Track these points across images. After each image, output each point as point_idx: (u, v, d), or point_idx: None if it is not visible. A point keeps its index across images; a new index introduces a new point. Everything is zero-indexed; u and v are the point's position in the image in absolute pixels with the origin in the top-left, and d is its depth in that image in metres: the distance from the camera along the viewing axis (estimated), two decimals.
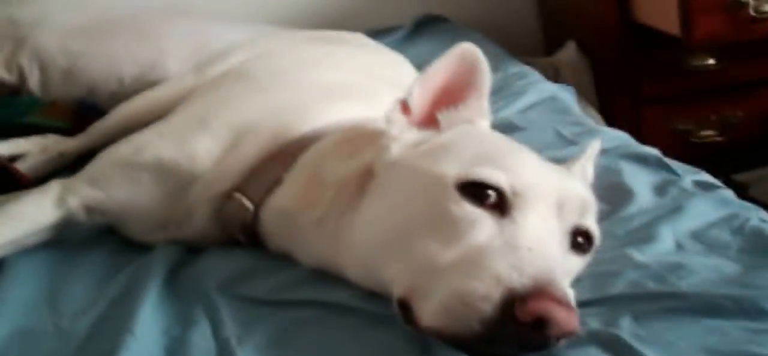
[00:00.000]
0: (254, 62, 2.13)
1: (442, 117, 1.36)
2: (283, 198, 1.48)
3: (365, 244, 1.27)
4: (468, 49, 1.34)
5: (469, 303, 1.02)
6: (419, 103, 1.35)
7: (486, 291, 1.02)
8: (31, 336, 1.29)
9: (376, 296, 1.23)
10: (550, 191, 1.20)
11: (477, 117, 1.38)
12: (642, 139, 1.91)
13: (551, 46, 3.55)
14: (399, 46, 2.78)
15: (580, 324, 1.07)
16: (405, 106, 1.34)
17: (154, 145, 1.63)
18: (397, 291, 1.15)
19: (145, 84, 2.43)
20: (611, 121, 2.46)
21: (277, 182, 1.50)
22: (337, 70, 1.97)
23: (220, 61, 2.27)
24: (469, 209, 1.15)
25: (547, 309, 1.00)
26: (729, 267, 1.27)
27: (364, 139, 1.44)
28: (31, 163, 2.19)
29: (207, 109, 1.73)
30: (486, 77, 1.36)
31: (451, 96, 1.36)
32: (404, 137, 1.33)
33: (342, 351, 1.14)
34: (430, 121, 1.37)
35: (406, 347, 1.11)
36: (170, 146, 1.60)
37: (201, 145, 1.58)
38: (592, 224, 1.28)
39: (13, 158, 2.20)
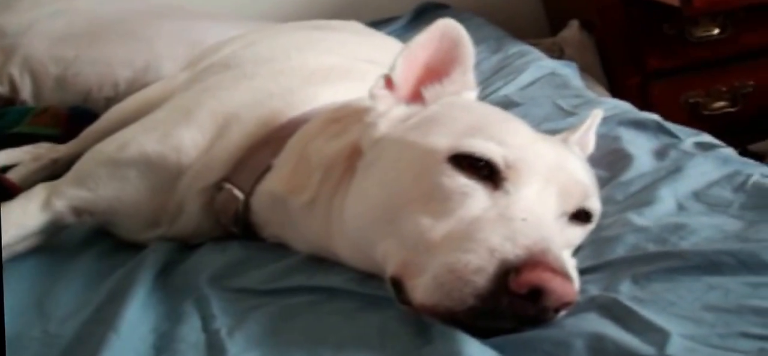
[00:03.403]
0: (240, 51, 2.10)
1: (427, 92, 1.34)
2: (272, 184, 1.45)
3: (356, 223, 1.25)
4: (449, 24, 1.31)
5: (462, 277, 1.00)
6: (403, 78, 1.32)
7: (479, 264, 0.99)
8: (18, 343, 1.26)
9: (372, 278, 1.21)
10: (544, 163, 1.18)
11: (463, 90, 1.35)
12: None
13: (555, 27, 3.54)
14: (399, 35, 2.77)
15: (579, 292, 1.05)
16: (389, 81, 1.32)
17: (139, 139, 1.60)
18: (390, 269, 1.13)
19: (139, 87, 2.43)
20: (620, 97, 2.42)
21: (267, 169, 1.47)
22: (326, 54, 1.93)
23: (210, 57, 2.24)
24: (461, 181, 1.13)
25: (542, 279, 0.97)
26: (731, 224, 1.23)
27: (350, 117, 1.41)
28: (23, 172, 2.17)
29: (191, 100, 1.69)
30: (469, 51, 1.34)
31: (435, 72, 1.34)
32: (391, 113, 1.31)
33: (334, 336, 1.10)
34: (415, 97, 1.34)
35: (401, 328, 1.08)
36: (155, 140, 1.57)
37: (187, 137, 1.55)
38: (594, 204, 1.26)
39: (6, 169, 2.17)
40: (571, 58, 2.82)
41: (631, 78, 2.97)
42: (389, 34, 2.73)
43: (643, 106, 1.94)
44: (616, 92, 2.75)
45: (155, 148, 1.56)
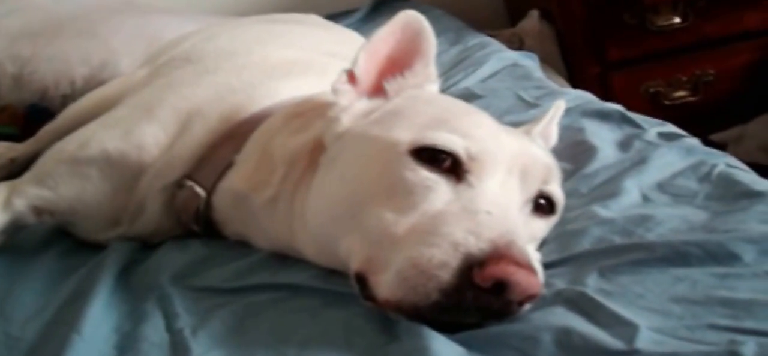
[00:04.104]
0: (201, 45, 2.08)
1: (389, 85, 1.33)
2: (234, 181, 1.44)
3: (319, 219, 1.24)
4: (410, 16, 1.31)
5: (426, 272, 0.99)
6: (365, 72, 1.31)
7: (443, 258, 0.99)
8: None
9: (336, 275, 1.20)
10: (507, 154, 1.17)
11: (425, 83, 1.34)
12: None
13: (515, 17, 3.53)
14: (357, 28, 2.77)
15: (544, 286, 1.05)
16: (351, 76, 1.31)
17: (100, 137, 1.57)
18: (354, 265, 1.12)
19: (97, 84, 2.39)
20: (581, 88, 2.42)
21: (229, 165, 1.46)
22: (287, 48, 1.92)
23: (170, 52, 2.21)
24: (423, 175, 1.12)
25: (505, 272, 0.97)
26: (697, 215, 1.24)
27: (313, 112, 1.41)
28: None
29: (152, 96, 1.66)
30: (430, 42, 1.33)
31: (397, 64, 1.33)
32: (353, 107, 1.30)
33: (299, 333, 1.09)
34: (377, 91, 1.33)
35: (366, 324, 1.08)
36: (116, 137, 1.55)
37: (149, 134, 1.53)
38: (555, 189, 1.25)
39: None
40: (531, 49, 2.82)
41: (592, 68, 2.97)
42: (347, 27, 2.72)
43: (604, 96, 1.95)
44: (576, 83, 2.77)
45: (117, 146, 1.53)
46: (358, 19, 3.23)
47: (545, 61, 2.67)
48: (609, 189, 1.37)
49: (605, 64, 2.97)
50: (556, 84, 2.16)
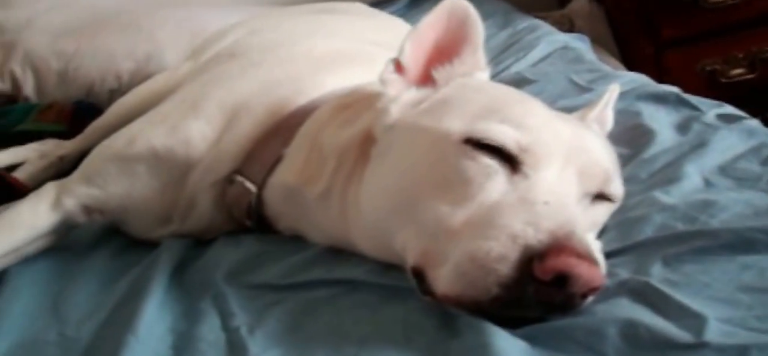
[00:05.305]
0: (245, 39, 2.08)
1: (438, 74, 1.30)
2: (284, 176, 1.42)
3: (373, 213, 1.22)
4: (456, 3, 1.28)
5: (484, 265, 0.97)
6: (413, 61, 1.30)
7: (501, 251, 0.97)
8: (35, 347, 1.24)
9: (392, 268, 1.18)
10: (562, 143, 1.14)
11: (474, 71, 1.32)
12: (669, 84, 1.83)
13: None
14: (402, 15, 2.75)
15: (608, 276, 1.03)
16: (399, 65, 1.29)
17: (146, 134, 1.56)
18: (410, 259, 1.11)
19: (142, 78, 2.41)
20: (634, 69, 2.39)
21: (278, 160, 1.44)
22: (332, 38, 1.90)
23: (214, 45, 2.21)
24: (478, 166, 1.10)
25: (567, 265, 0.95)
26: (761, 199, 1.20)
27: (361, 103, 1.39)
28: (30, 170, 2.15)
29: (197, 91, 1.65)
30: (478, 29, 1.31)
31: (445, 53, 1.31)
32: (402, 97, 1.28)
33: (357, 330, 1.08)
34: (425, 80, 1.31)
35: (425, 320, 1.06)
36: (163, 133, 1.54)
37: (195, 129, 1.52)
38: (617, 188, 1.23)
39: (12, 168, 2.14)
40: (581, 31, 2.80)
41: (645, 48, 2.93)
42: (392, 14, 2.69)
43: (658, 76, 1.92)
44: (629, 63, 2.72)
45: (163, 142, 1.53)
46: (404, 5, 3.20)
47: (597, 43, 2.64)
48: (669, 174, 1.35)
49: (659, 43, 2.92)
50: (609, 66, 2.14)
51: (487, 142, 1.11)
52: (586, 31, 2.75)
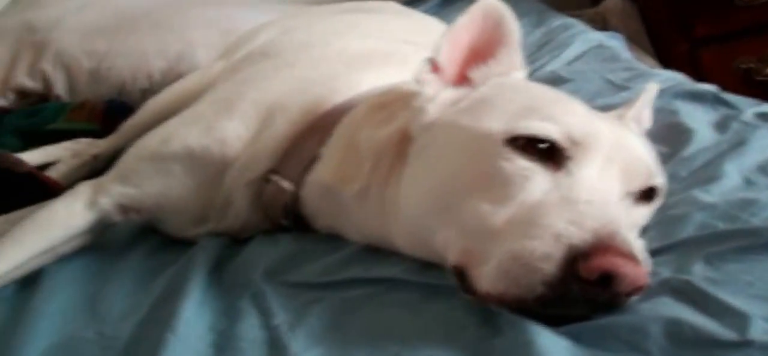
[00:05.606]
0: (279, 39, 2.08)
1: (474, 74, 1.30)
2: (321, 175, 1.42)
3: (412, 212, 1.22)
4: (490, 4, 1.27)
5: (528, 264, 0.97)
6: (449, 61, 1.29)
7: (546, 250, 0.97)
8: (73, 346, 1.24)
9: (431, 267, 1.18)
10: (604, 141, 1.14)
11: (510, 71, 1.31)
12: (704, 81, 1.82)
13: None
14: (436, 13, 2.73)
15: (650, 275, 1.01)
16: (435, 65, 1.28)
17: (181, 133, 1.57)
18: (452, 258, 1.10)
19: (174, 77, 2.42)
20: (669, 67, 2.38)
21: (314, 159, 1.45)
22: (366, 37, 1.90)
23: (247, 44, 2.21)
24: (520, 164, 1.10)
25: (611, 264, 0.94)
26: None
27: (397, 103, 1.38)
28: (63, 169, 2.16)
29: (232, 91, 1.66)
30: (513, 30, 1.30)
31: (480, 53, 1.30)
32: (439, 97, 1.27)
33: (398, 329, 1.07)
34: (461, 80, 1.31)
35: (466, 318, 1.05)
36: (198, 133, 1.55)
37: (230, 129, 1.53)
38: (659, 182, 1.22)
39: (45, 167, 2.15)
40: (615, 29, 2.79)
41: (680, 45, 2.91)
42: (425, 12, 2.69)
43: (693, 74, 1.91)
44: (664, 61, 2.71)
45: (199, 141, 1.53)
46: (437, 3, 3.20)
47: (631, 41, 2.63)
48: (709, 172, 1.34)
49: (693, 41, 2.90)
50: (644, 64, 2.13)
51: (533, 136, 1.10)
52: (619, 29, 2.74)
